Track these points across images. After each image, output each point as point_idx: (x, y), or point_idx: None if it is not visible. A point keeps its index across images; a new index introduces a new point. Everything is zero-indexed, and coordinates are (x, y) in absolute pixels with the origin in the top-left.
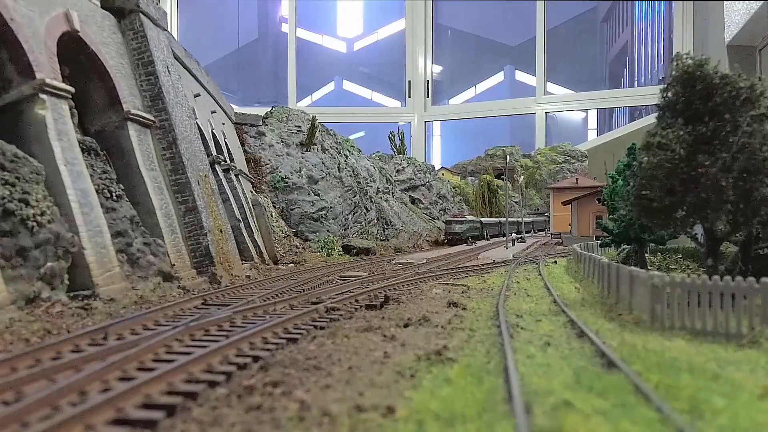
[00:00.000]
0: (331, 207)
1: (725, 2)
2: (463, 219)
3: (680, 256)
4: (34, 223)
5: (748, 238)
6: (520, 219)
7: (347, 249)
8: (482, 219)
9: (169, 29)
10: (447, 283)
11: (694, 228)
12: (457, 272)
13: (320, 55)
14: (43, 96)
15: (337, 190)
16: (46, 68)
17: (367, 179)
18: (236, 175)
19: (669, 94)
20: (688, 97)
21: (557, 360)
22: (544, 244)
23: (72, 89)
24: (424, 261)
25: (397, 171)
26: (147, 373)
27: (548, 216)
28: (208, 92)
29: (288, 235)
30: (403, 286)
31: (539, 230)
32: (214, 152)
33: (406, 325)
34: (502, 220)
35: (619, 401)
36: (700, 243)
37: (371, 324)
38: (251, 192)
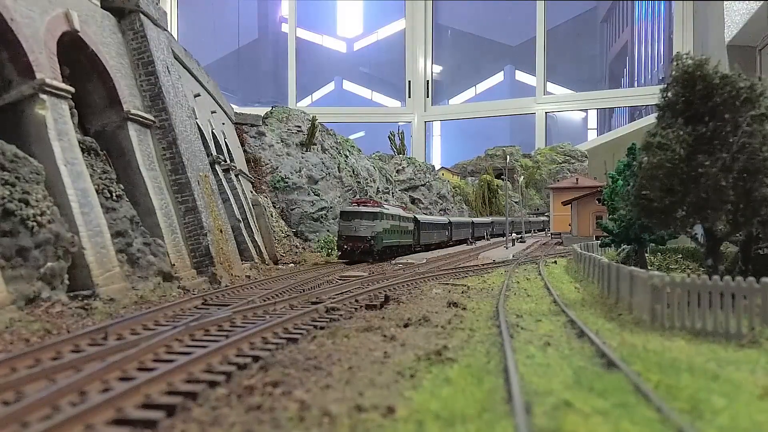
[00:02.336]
0: (331, 207)
1: (725, 2)
2: (376, 211)
3: (680, 256)
4: (34, 223)
5: (748, 238)
6: (467, 221)
7: None
8: (419, 216)
9: (169, 29)
10: (447, 283)
11: (694, 228)
12: (457, 272)
13: (320, 55)
14: (43, 96)
15: (337, 190)
16: (46, 68)
17: (367, 179)
18: (236, 175)
19: (669, 94)
20: (688, 97)
21: (557, 360)
22: (544, 244)
23: (72, 89)
24: (424, 261)
25: (397, 171)
26: (147, 373)
27: (548, 216)
28: (208, 92)
29: (288, 235)
30: (403, 286)
31: (533, 232)
32: (214, 152)
33: (406, 325)
34: (466, 219)
35: (619, 401)
36: (700, 243)
37: (371, 324)
38: (251, 192)
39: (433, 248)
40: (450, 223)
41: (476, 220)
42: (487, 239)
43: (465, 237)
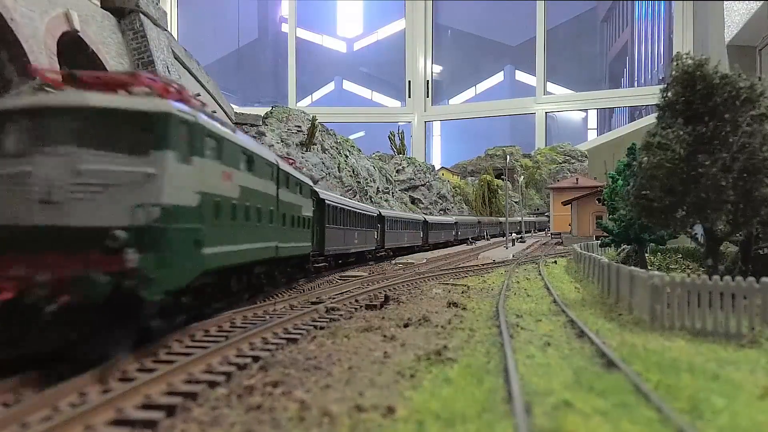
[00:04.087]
0: None
1: (725, 2)
2: (170, 110)
3: (680, 256)
4: None
5: (748, 238)
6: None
7: None
8: (325, 195)
9: (169, 29)
10: (447, 283)
11: (694, 228)
12: (457, 272)
13: (320, 55)
14: None
15: (337, 190)
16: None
17: (367, 179)
18: None
19: (669, 94)
20: (688, 97)
21: (557, 360)
22: (544, 244)
23: None
24: (424, 261)
25: (397, 171)
26: (147, 374)
27: (548, 216)
28: (208, 92)
29: None
30: (403, 286)
31: (533, 231)
32: None
33: (406, 325)
34: (416, 217)
35: (619, 401)
36: (700, 243)
37: (371, 324)
38: None
39: (353, 264)
40: (382, 218)
41: (431, 219)
42: (487, 239)
43: (412, 244)
